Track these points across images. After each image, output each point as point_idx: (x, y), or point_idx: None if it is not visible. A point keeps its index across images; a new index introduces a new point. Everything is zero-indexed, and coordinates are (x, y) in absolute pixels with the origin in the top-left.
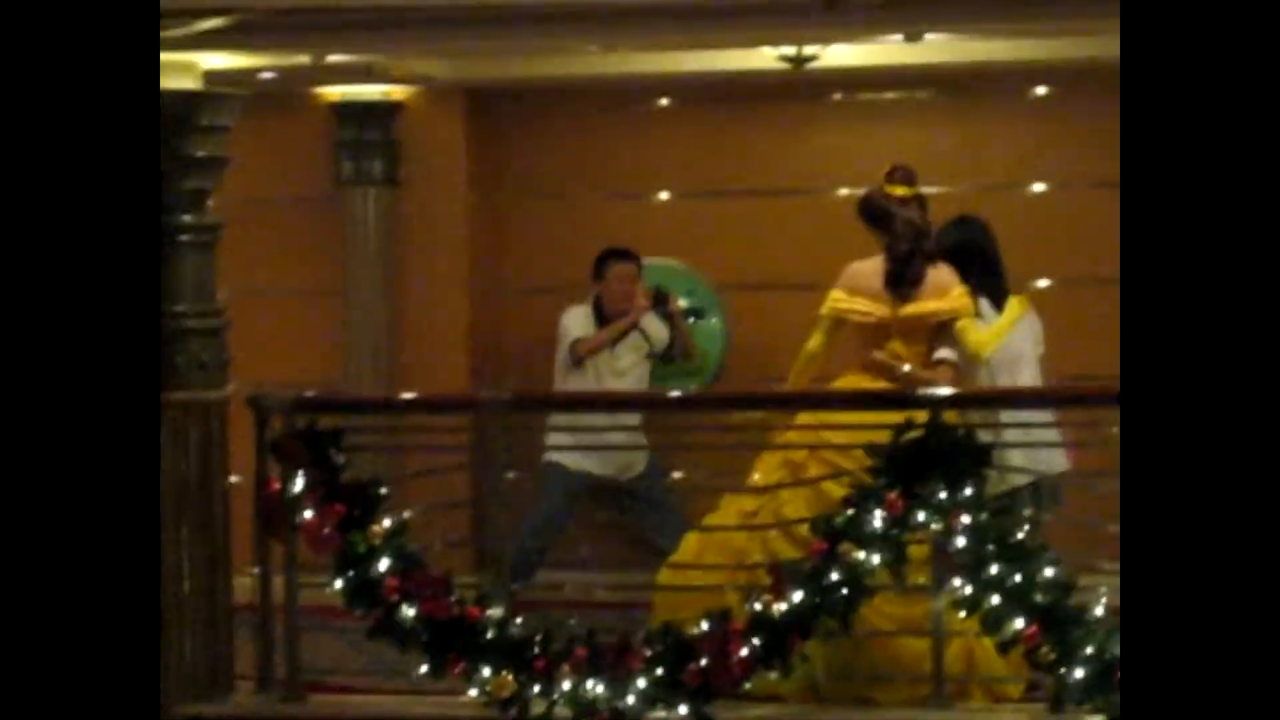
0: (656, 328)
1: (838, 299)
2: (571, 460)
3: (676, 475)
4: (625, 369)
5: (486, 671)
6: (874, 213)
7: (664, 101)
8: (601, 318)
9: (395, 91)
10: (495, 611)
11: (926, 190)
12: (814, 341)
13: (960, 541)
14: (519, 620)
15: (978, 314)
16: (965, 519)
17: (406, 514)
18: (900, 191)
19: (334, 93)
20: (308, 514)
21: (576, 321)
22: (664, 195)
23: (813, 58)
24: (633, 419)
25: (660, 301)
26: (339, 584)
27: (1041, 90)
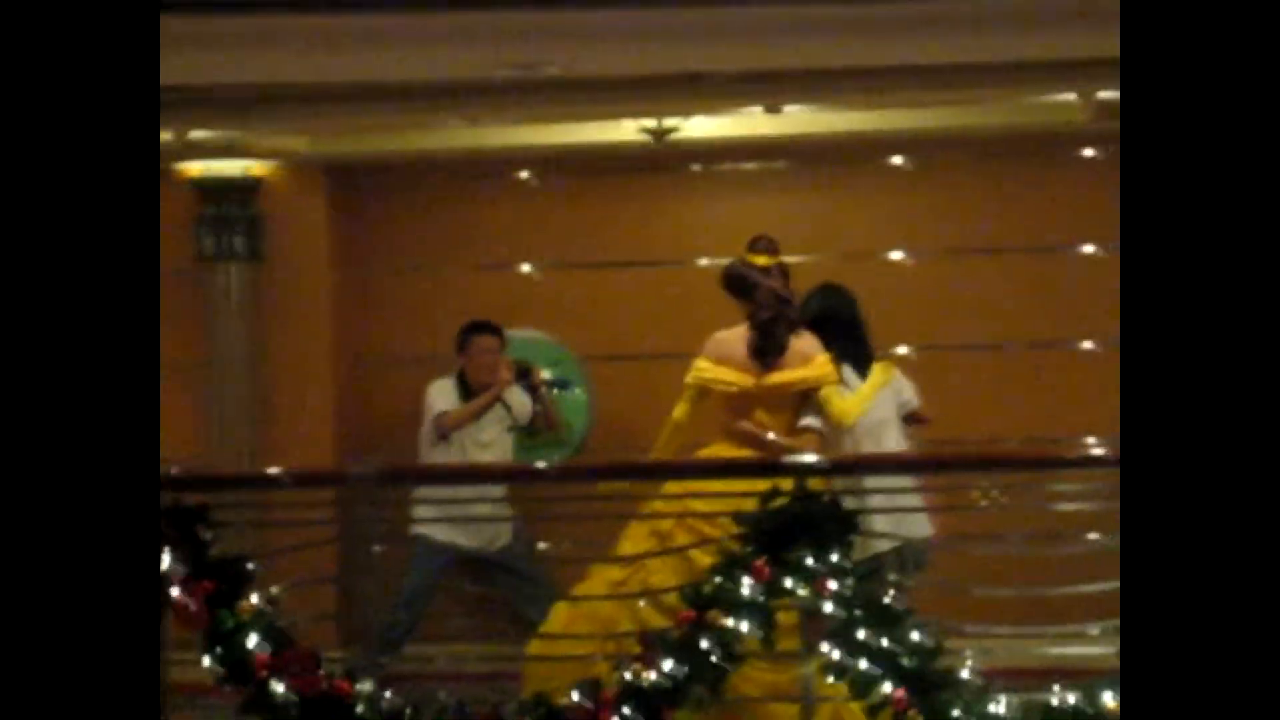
0: (519, 400)
1: (702, 369)
2: (438, 532)
3: (543, 546)
4: (489, 441)
5: None
6: (737, 282)
7: (525, 174)
8: (466, 391)
9: (256, 167)
10: (365, 686)
11: (788, 259)
12: (679, 411)
13: (828, 607)
14: (389, 694)
15: (842, 381)
16: (833, 585)
17: (275, 589)
18: (763, 261)
19: (195, 168)
20: (175, 591)
21: (441, 395)
22: (526, 268)
23: (673, 130)
24: (498, 491)
25: (523, 375)
26: (207, 661)
27: (898, 160)
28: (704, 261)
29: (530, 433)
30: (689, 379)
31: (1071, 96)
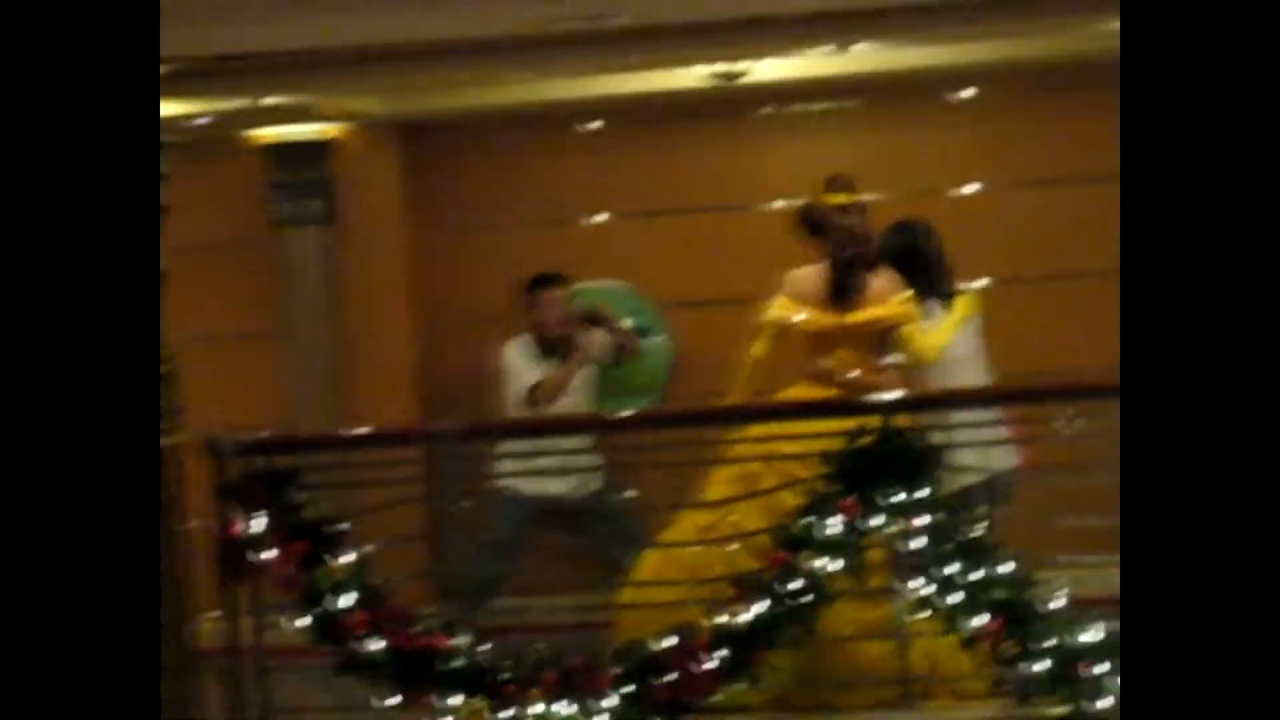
0: (599, 341)
1: (782, 307)
2: (524, 485)
3: (631, 494)
4: (572, 389)
5: (457, 700)
6: (813, 222)
7: (596, 125)
8: (543, 347)
9: (328, 130)
10: (461, 640)
11: (864, 197)
12: (758, 348)
13: (917, 543)
14: (485, 647)
15: (923, 317)
16: (921, 520)
17: (368, 548)
18: (839, 199)
19: (267, 134)
20: (271, 553)
21: (523, 359)
22: (602, 218)
23: (742, 73)
24: (584, 438)
25: (592, 320)
26: (305, 621)
27: (967, 94)
28: (778, 204)
29: (617, 364)
30: (768, 316)
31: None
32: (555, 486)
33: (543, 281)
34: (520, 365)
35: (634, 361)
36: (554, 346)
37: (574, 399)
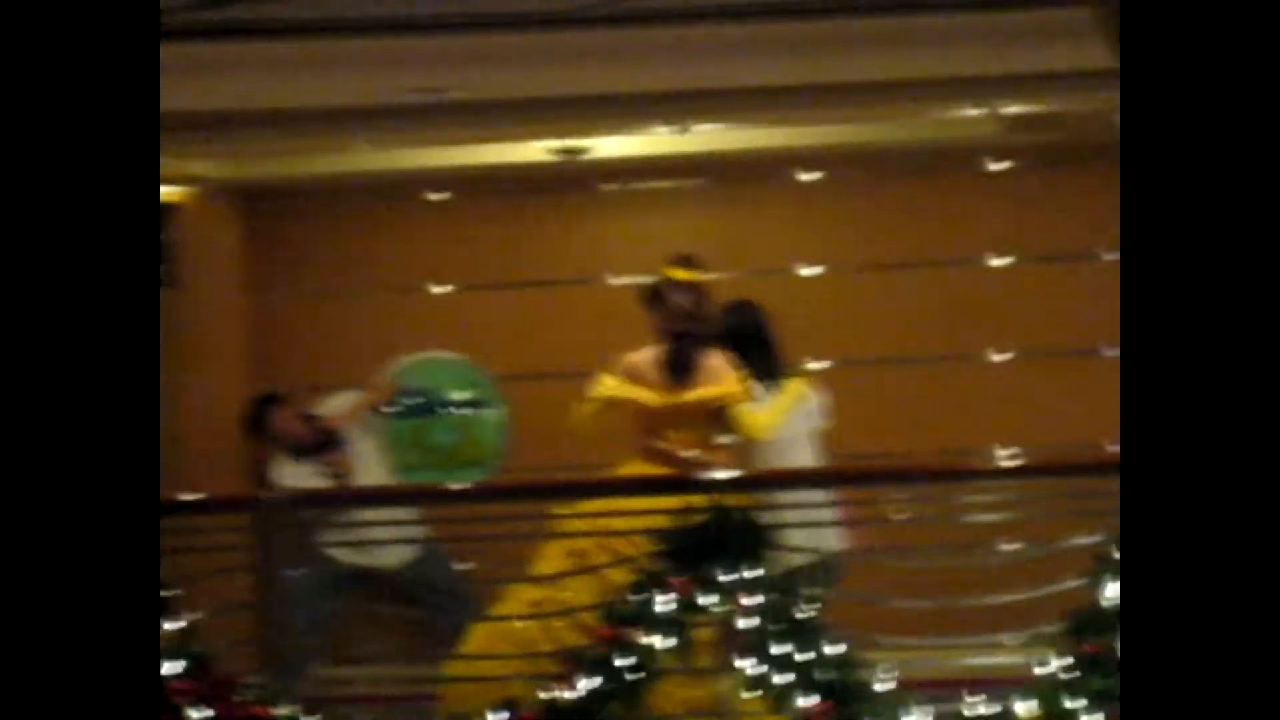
0: (345, 407)
1: (611, 386)
2: (344, 554)
3: (461, 567)
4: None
5: None
6: (651, 297)
7: (440, 196)
8: (296, 452)
9: (170, 193)
10: (285, 710)
11: (703, 277)
12: (575, 420)
13: (744, 622)
14: (313, 718)
15: (753, 397)
16: (748, 599)
17: (196, 615)
18: (679, 275)
19: None
20: None
21: (283, 468)
22: (443, 289)
23: (583, 150)
24: (402, 513)
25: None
26: None
27: (808, 176)
28: (618, 280)
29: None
30: (594, 391)
31: (977, 111)
32: (372, 557)
33: (268, 402)
34: (287, 474)
35: (466, 432)
36: (304, 449)
37: (371, 472)
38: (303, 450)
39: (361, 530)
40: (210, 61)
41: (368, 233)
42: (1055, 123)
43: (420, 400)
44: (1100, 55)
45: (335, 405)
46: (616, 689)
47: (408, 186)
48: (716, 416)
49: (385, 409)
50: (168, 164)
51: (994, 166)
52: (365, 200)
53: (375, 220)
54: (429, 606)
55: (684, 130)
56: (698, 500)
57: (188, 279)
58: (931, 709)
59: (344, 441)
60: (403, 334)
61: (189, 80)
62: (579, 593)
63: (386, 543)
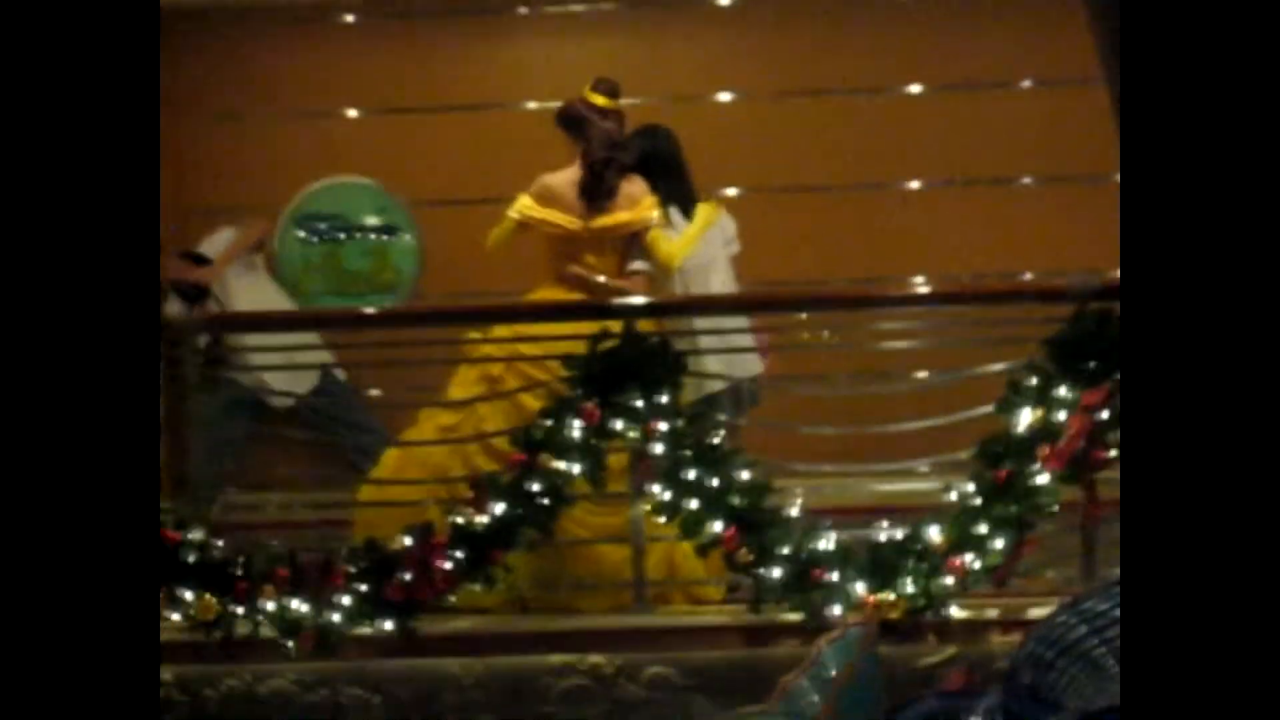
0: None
1: (527, 207)
2: (248, 380)
3: (374, 392)
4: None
5: (189, 595)
6: (574, 121)
7: (349, 18)
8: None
9: None
10: (195, 535)
11: (621, 103)
12: (491, 239)
13: (658, 448)
14: (219, 543)
15: (668, 223)
16: (662, 426)
17: None
18: (601, 102)
19: None
20: None
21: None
22: (352, 113)
23: None
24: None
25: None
26: None
27: (725, 1)
28: (530, 105)
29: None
30: (510, 212)
31: None
32: (280, 383)
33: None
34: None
35: (379, 257)
36: (188, 293)
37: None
38: (186, 295)
39: (269, 355)
40: None
41: (277, 57)
42: None
43: (332, 225)
44: None
45: (216, 243)
46: (528, 514)
47: (318, 9)
48: (632, 242)
49: (295, 234)
50: None
51: None
52: (274, 24)
53: (284, 44)
54: (338, 432)
55: None
56: (612, 326)
57: None
58: (844, 534)
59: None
60: (315, 159)
61: None
62: (492, 418)
63: (294, 368)
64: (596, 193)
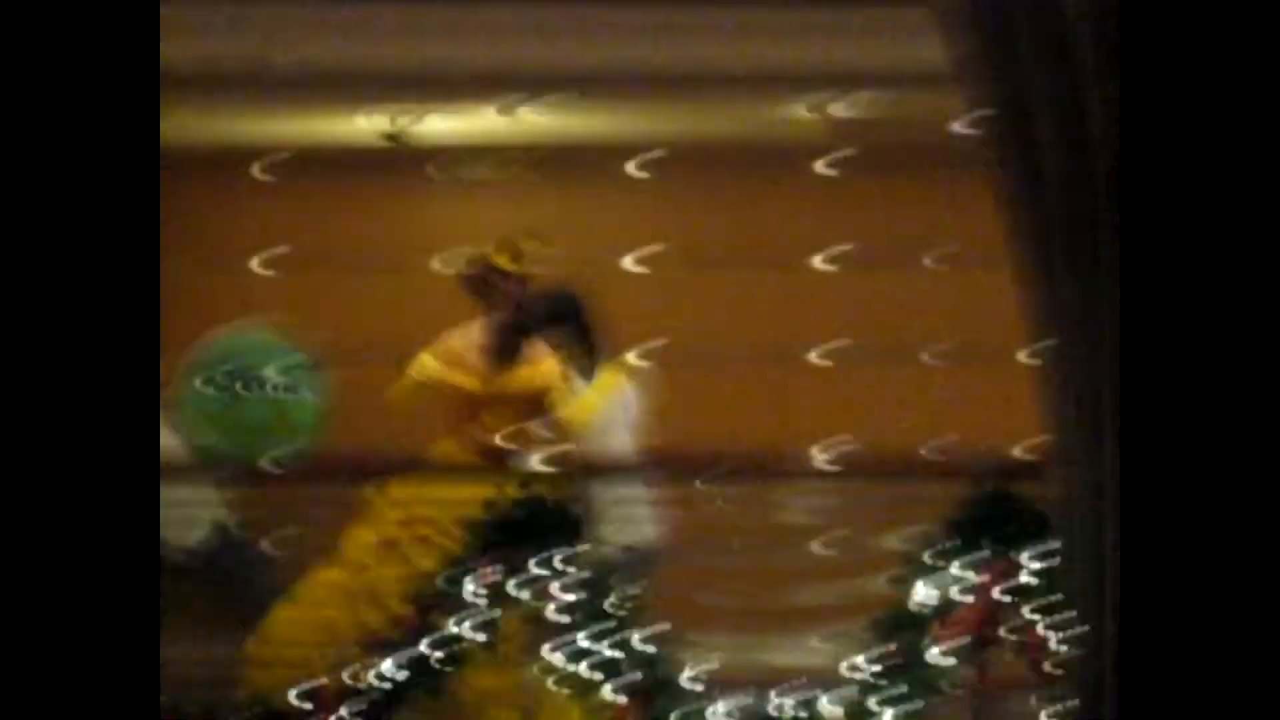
0: None
1: (429, 367)
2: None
3: (264, 547)
4: None
5: None
6: (478, 284)
7: (256, 170)
8: None
9: None
10: None
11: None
12: (394, 396)
13: (553, 612)
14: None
15: (572, 386)
16: (557, 589)
17: None
18: (505, 264)
19: None
20: None
21: None
22: (256, 265)
23: (407, 132)
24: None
25: None
26: None
27: (637, 166)
28: (436, 264)
29: None
30: (413, 372)
31: (808, 112)
32: (172, 534)
33: None
34: None
35: (278, 411)
36: None
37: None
38: None
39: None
40: None
41: (190, 207)
42: (885, 125)
43: (233, 375)
44: (931, 57)
45: None
46: (420, 674)
47: (231, 161)
48: (535, 404)
49: (192, 382)
50: None
51: (821, 169)
52: (188, 173)
53: (199, 194)
54: (227, 587)
55: (509, 113)
56: (510, 488)
57: None
58: (736, 704)
59: None
60: (222, 310)
61: None
62: (386, 578)
63: (184, 523)
64: (499, 354)
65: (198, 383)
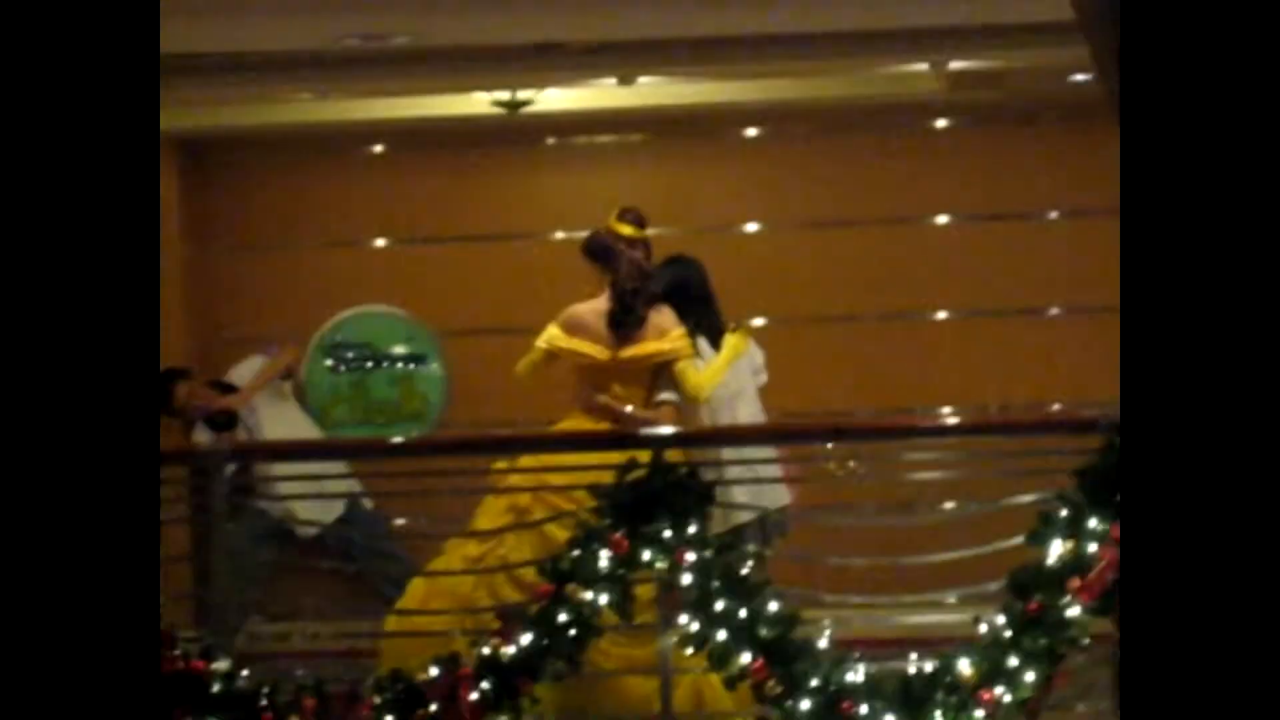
0: (253, 371)
1: (556, 337)
2: (274, 508)
3: (400, 522)
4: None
5: None
6: (601, 251)
7: (379, 148)
8: (210, 424)
9: None
10: (221, 664)
11: (648, 233)
12: (520, 367)
13: (686, 579)
14: (245, 672)
15: (696, 353)
16: (690, 556)
17: None
18: (628, 231)
19: None
20: None
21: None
22: (381, 242)
23: (527, 102)
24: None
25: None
26: None
27: (752, 132)
28: (558, 235)
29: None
30: (539, 341)
31: (923, 67)
32: (307, 512)
33: (172, 377)
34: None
35: (406, 387)
36: (217, 422)
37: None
38: (215, 423)
39: (296, 484)
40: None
41: (308, 185)
42: (1001, 80)
43: (360, 354)
44: (1049, 9)
45: (245, 371)
46: (556, 645)
47: (349, 139)
48: (659, 372)
49: (323, 364)
50: None
51: (939, 123)
52: (306, 152)
53: (316, 172)
54: (364, 561)
55: (629, 83)
56: (640, 456)
57: None
58: (873, 667)
59: (244, 417)
60: (343, 288)
61: None
62: (519, 549)
63: (322, 497)
64: (625, 323)
65: (328, 361)
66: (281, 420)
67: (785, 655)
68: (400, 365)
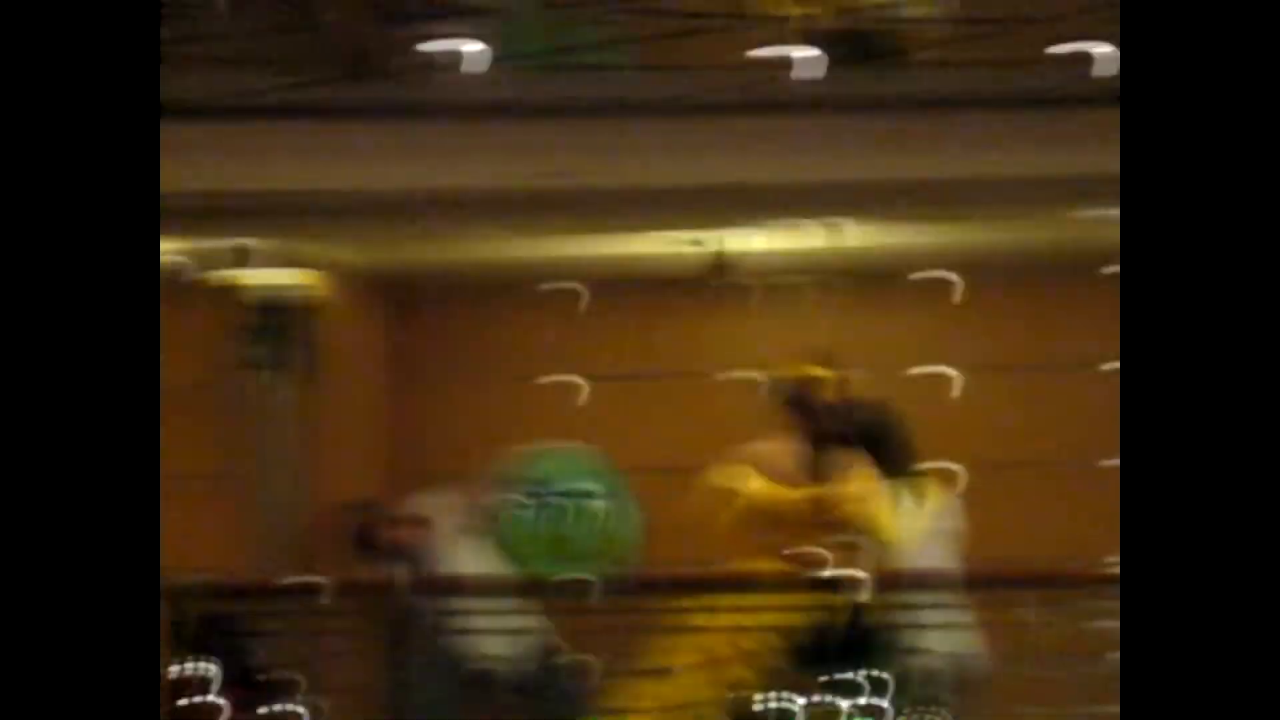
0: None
1: (752, 487)
2: (465, 646)
3: (581, 660)
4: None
5: None
6: (797, 396)
7: (570, 286)
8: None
9: (310, 278)
10: None
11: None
12: (725, 519)
13: None
14: None
15: (887, 498)
16: (879, 702)
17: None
18: (822, 375)
19: (247, 277)
20: (219, 699)
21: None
22: (571, 379)
23: (719, 243)
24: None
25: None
26: None
27: (949, 276)
28: (750, 375)
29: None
30: (731, 485)
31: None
32: (495, 649)
33: (367, 514)
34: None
35: (600, 526)
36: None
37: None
38: (402, 555)
39: (487, 620)
40: (349, 142)
41: (501, 322)
42: None
43: (552, 491)
44: None
45: (434, 503)
46: None
47: (540, 277)
48: (850, 516)
49: (513, 501)
50: (311, 249)
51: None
52: (499, 290)
53: (508, 309)
54: (551, 702)
55: (829, 226)
56: (831, 600)
57: (329, 363)
58: None
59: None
60: (531, 424)
61: (326, 161)
62: (708, 690)
63: (510, 634)
64: (816, 468)
65: (520, 501)
66: (472, 557)
67: None
68: (592, 503)
